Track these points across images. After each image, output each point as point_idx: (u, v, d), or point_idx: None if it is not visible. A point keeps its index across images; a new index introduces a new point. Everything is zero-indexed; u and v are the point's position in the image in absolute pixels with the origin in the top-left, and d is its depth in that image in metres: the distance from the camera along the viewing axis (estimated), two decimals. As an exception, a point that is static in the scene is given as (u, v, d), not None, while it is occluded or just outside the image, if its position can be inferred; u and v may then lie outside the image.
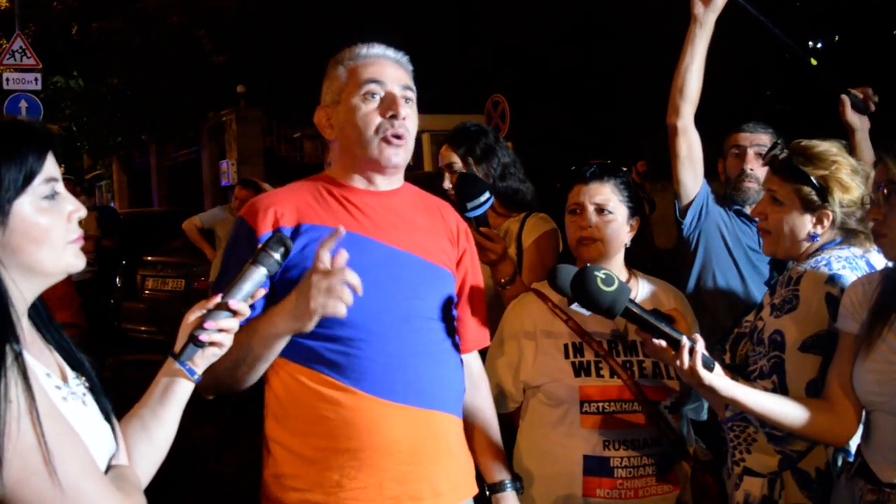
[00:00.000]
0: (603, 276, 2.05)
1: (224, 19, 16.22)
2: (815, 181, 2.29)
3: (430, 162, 13.92)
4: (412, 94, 2.16)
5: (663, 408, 2.42)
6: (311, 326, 1.85)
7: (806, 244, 2.35)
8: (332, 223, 2.03)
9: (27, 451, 1.31)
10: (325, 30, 14.37)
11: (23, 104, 13.80)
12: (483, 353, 2.71)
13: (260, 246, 1.76)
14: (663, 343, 2.06)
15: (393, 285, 2.07)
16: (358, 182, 2.16)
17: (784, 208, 2.36)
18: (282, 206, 2.08)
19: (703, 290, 3.33)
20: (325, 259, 1.81)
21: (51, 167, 1.47)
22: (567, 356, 2.48)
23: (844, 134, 3.31)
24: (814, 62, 3.17)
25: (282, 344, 1.93)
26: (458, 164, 3.27)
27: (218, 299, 1.69)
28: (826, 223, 2.31)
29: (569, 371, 2.46)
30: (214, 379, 1.80)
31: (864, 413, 2.15)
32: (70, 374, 1.56)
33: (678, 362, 2.03)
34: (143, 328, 9.79)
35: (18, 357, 1.36)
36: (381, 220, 2.12)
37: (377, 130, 2.08)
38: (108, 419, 1.57)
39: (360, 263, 1.98)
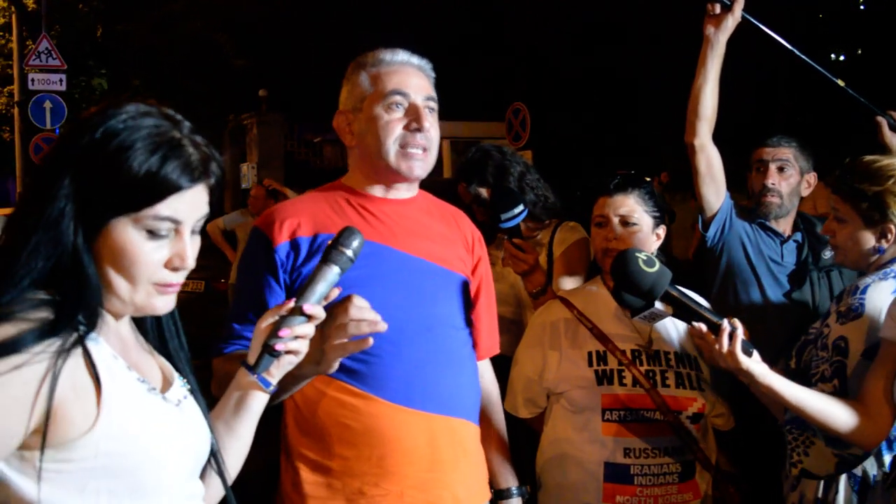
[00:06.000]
0: (644, 258, 2.08)
1: (246, 24, 16.31)
2: (870, 197, 2.34)
3: (451, 169, 13.94)
4: (434, 105, 2.14)
5: (685, 418, 2.44)
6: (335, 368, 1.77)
7: (873, 257, 2.41)
8: None
9: None
10: (346, 35, 14.46)
11: (47, 104, 13.95)
12: (503, 359, 2.74)
13: (330, 242, 1.65)
14: (703, 327, 2.09)
15: (412, 293, 2.06)
16: (375, 190, 2.15)
17: (847, 225, 2.42)
18: (298, 217, 2.06)
19: (724, 300, 3.36)
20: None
21: (183, 209, 1.37)
22: (590, 364, 2.50)
23: (875, 145, 3.33)
24: (841, 83, 3.14)
25: (304, 383, 1.85)
26: (480, 195, 3.36)
27: (291, 304, 1.57)
28: (890, 237, 2.36)
29: (591, 379, 2.48)
30: None
31: None
32: (176, 377, 1.51)
33: (717, 346, 2.08)
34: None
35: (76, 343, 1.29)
36: (398, 229, 2.11)
37: (399, 142, 2.06)
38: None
39: (378, 272, 2.01)
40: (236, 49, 16.85)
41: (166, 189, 1.33)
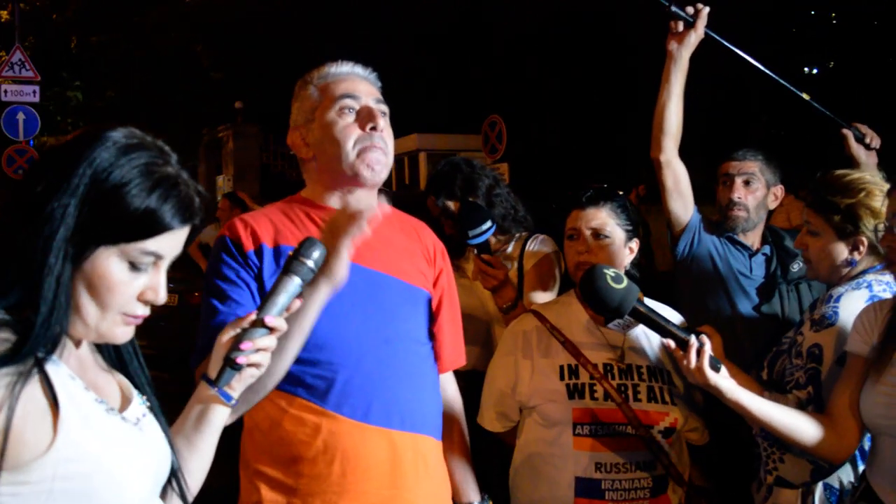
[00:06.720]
0: (612, 275, 2.09)
1: (222, 36, 16.28)
2: (843, 210, 2.38)
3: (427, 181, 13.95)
4: (386, 109, 2.14)
5: (657, 432, 2.43)
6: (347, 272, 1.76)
7: (845, 269, 2.46)
8: None
9: None
10: (323, 48, 14.46)
11: (20, 116, 13.84)
12: (474, 374, 2.73)
13: (291, 253, 1.63)
14: (671, 343, 2.10)
15: (372, 309, 2.04)
16: (334, 202, 2.12)
17: (820, 238, 2.47)
18: (260, 227, 2.04)
19: (694, 313, 3.35)
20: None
21: (167, 246, 1.38)
22: (562, 378, 2.48)
23: (844, 158, 3.36)
24: (806, 97, 3.18)
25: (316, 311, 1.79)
26: (448, 208, 3.33)
27: (253, 316, 1.55)
28: (862, 249, 2.41)
29: (563, 393, 2.47)
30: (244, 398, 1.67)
31: (868, 437, 2.19)
32: (135, 394, 1.50)
33: (685, 362, 2.09)
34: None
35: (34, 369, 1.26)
36: (358, 243, 2.10)
37: (358, 146, 2.04)
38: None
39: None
40: (212, 61, 16.81)
41: (162, 227, 1.35)
